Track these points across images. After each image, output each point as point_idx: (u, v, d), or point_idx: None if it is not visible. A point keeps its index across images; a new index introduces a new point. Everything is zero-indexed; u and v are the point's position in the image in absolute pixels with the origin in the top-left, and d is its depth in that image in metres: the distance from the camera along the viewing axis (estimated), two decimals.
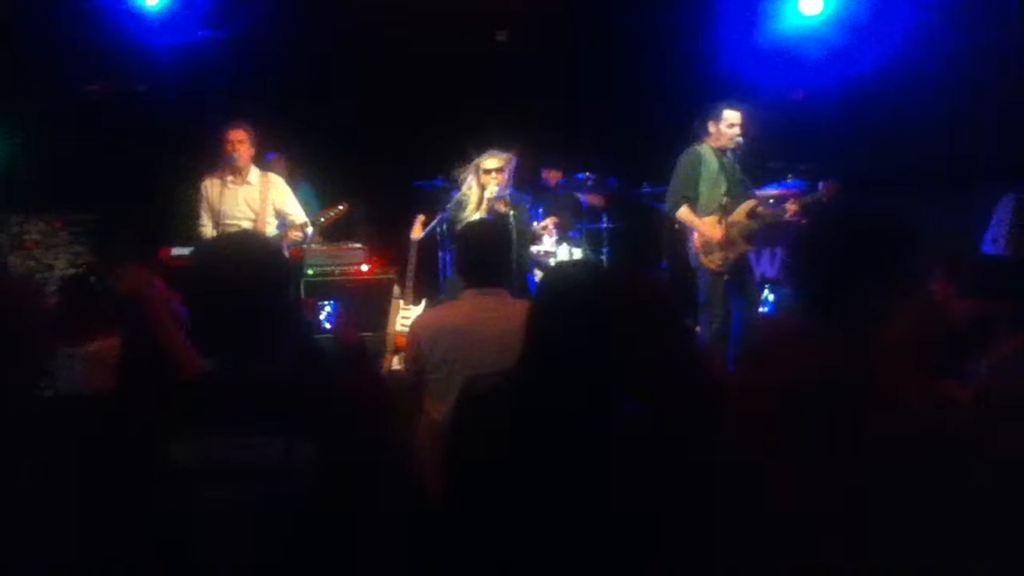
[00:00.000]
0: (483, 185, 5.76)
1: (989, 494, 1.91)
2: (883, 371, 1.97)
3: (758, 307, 6.13)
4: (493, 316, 3.20)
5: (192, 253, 2.29)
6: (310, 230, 6.07)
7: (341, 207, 6.05)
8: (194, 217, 6.06)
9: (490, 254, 3.37)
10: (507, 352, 2.84)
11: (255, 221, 5.96)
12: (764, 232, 5.98)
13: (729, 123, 5.80)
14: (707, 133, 5.88)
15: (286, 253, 5.79)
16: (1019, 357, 2.67)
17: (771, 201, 5.95)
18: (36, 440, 1.99)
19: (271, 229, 6.00)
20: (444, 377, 3.20)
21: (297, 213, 6.11)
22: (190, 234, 6.09)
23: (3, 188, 7.17)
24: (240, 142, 5.91)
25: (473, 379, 2.20)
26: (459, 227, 5.46)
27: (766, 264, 6.25)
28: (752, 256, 5.96)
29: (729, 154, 5.85)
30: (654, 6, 7.25)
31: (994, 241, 5.60)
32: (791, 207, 5.72)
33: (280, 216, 6.08)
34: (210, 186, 5.98)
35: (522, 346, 2.14)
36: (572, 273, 2.29)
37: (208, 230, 5.98)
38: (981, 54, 6.61)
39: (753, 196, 5.87)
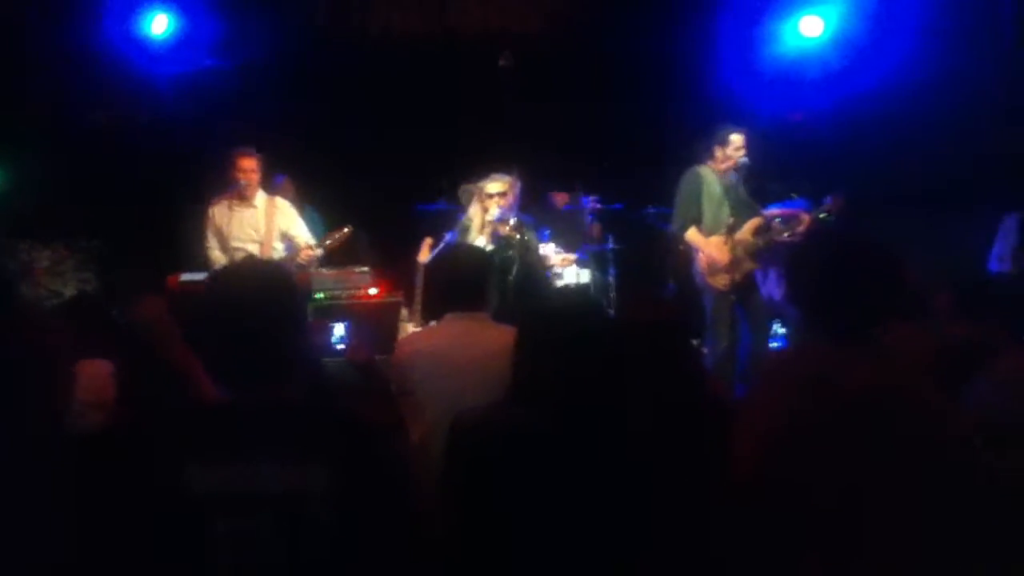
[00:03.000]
0: (485, 208, 5.81)
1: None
2: (892, 388, 2.00)
3: (766, 330, 6.11)
4: (469, 341, 3.20)
5: (206, 281, 2.32)
6: (319, 251, 6.07)
7: (345, 230, 6.06)
8: (201, 241, 6.09)
9: (465, 279, 3.37)
10: (481, 377, 2.89)
11: (261, 245, 5.98)
12: (770, 252, 5.98)
13: (735, 147, 5.84)
14: (712, 157, 5.91)
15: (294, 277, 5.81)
16: (1015, 379, 2.68)
17: (777, 220, 5.96)
18: (54, 468, 2.02)
19: (277, 253, 6.02)
20: (419, 400, 3.20)
21: (304, 235, 6.12)
22: (197, 259, 6.11)
23: (10, 216, 7.22)
24: (251, 170, 5.93)
25: (464, 411, 2.20)
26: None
27: (772, 285, 6.25)
28: (759, 276, 5.96)
29: (732, 176, 5.87)
30: (656, 30, 7.30)
31: (1000, 259, 5.63)
32: (804, 219, 5.70)
33: (287, 239, 6.09)
34: (217, 210, 6.01)
35: (511, 375, 2.15)
36: (557, 304, 2.32)
37: (215, 253, 6.00)
38: (979, 74, 6.67)
39: (760, 215, 5.89)
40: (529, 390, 2.11)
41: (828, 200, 5.76)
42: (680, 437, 2.22)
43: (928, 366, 2.62)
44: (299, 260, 5.90)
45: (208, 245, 6.06)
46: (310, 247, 5.92)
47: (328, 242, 6.04)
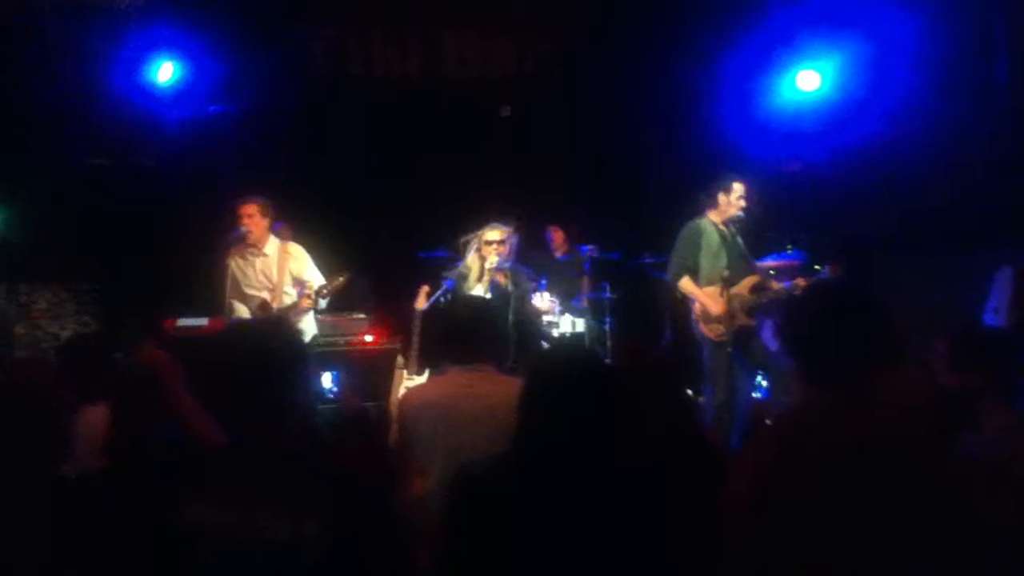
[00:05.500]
0: (484, 257, 5.85)
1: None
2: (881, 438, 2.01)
3: (754, 380, 6.11)
4: (475, 393, 3.20)
5: (214, 336, 2.30)
6: (319, 301, 6.06)
7: (342, 278, 6.07)
8: (220, 290, 6.09)
9: (472, 332, 3.36)
10: (487, 430, 2.87)
11: (272, 291, 6.01)
12: (766, 307, 5.98)
13: (738, 195, 5.88)
14: (715, 205, 5.94)
15: (302, 323, 5.84)
16: (1009, 436, 2.68)
17: (772, 273, 5.97)
18: (52, 511, 2.03)
19: (289, 299, 6.03)
20: (425, 453, 3.17)
21: (317, 279, 6.10)
22: (219, 308, 6.12)
23: (11, 258, 7.26)
24: (250, 216, 5.97)
25: (466, 464, 2.19)
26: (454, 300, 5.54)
27: (768, 335, 6.27)
28: (759, 326, 5.96)
29: (731, 227, 5.90)
30: (654, 81, 7.39)
31: (995, 312, 5.60)
32: (799, 284, 5.70)
33: (299, 285, 6.10)
34: (234, 260, 6.05)
35: (515, 428, 2.15)
36: (560, 356, 2.33)
37: (235, 303, 6.04)
38: (974, 126, 6.73)
39: (756, 271, 5.91)
40: (534, 441, 2.10)
41: (826, 271, 5.76)
42: (671, 487, 2.22)
43: (921, 414, 2.62)
44: (300, 306, 5.90)
45: (228, 295, 6.07)
46: (308, 297, 5.93)
47: (325, 291, 6.03)
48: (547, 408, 2.10)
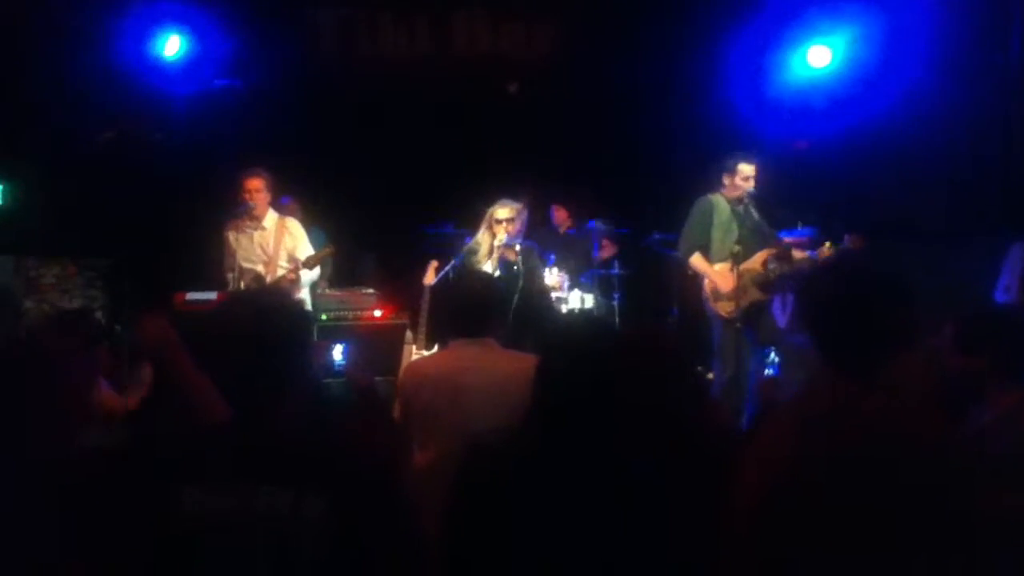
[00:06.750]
0: (494, 234, 5.84)
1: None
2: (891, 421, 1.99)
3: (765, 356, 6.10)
4: (477, 366, 3.19)
5: (214, 309, 2.28)
6: (311, 272, 6.04)
7: (327, 249, 6.06)
8: (218, 263, 6.12)
9: (477, 305, 3.35)
10: (490, 402, 2.90)
11: (267, 264, 6.01)
12: (779, 282, 5.96)
13: (744, 176, 5.84)
14: (722, 184, 5.93)
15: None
16: (1014, 416, 2.66)
17: (784, 247, 5.94)
18: (62, 486, 2.03)
19: (283, 272, 6.04)
20: (426, 426, 3.19)
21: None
22: (216, 281, 6.12)
23: (19, 232, 7.27)
24: (257, 191, 5.97)
25: (478, 435, 2.18)
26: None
27: (778, 311, 6.25)
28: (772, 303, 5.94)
29: (745, 201, 5.87)
30: (665, 57, 7.34)
31: (1007, 289, 5.59)
32: (823, 253, 5.67)
33: (292, 261, 6.11)
34: (231, 233, 6.06)
35: (529, 401, 2.12)
36: (577, 329, 2.30)
37: (229, 276, 6.04)
38: (985, 105, 6.69)
39: (775, 243, 5.87)
40: (550, 416, 2.09)
41: (847, 239, 5.72)
42: (680, 465, 2.21)
43: (932, 400, 2.60)
44: (285, 280, 5.89)
45: (225, 267, 6.09)
46: (293, 270, 5.92)
47: (312, 261, 5.97)
48: (566, 382, 2.09)
